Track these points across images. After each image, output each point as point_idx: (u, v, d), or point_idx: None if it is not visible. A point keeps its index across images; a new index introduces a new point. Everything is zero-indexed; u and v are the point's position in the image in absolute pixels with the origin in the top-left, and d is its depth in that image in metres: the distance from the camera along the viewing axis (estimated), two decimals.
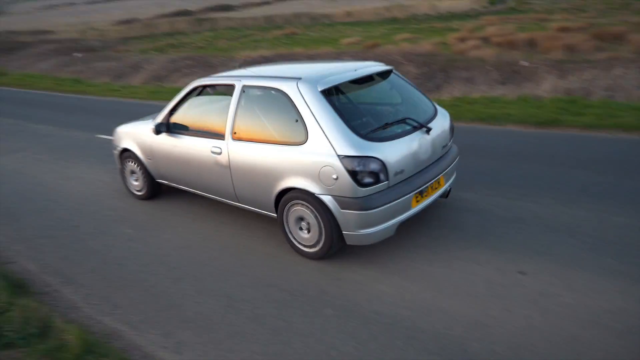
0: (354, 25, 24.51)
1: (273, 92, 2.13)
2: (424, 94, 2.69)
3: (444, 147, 2.47)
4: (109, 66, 18.61)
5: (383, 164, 1.81)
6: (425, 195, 2.22)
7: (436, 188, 2.31)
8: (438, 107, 2.67)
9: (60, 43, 30.04)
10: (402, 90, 2.59)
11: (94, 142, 8.93)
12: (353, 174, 1.73)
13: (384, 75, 2.60)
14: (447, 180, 2.53)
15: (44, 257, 4.29)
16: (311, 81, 2.04)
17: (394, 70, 2.68)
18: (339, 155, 1.74)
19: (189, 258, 3.61)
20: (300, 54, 12.96)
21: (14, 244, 4.76)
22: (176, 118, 3.15)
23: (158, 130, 3.22)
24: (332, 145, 1.75)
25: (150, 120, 3.58)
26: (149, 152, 3.48)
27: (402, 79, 2.70)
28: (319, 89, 2.03)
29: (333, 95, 2.10)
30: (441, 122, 2.46)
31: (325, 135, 1.76)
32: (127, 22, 43.53)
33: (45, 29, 46.21)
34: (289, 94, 2.04)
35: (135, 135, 3.56)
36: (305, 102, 1.94)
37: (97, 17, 60.07)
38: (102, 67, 18.80)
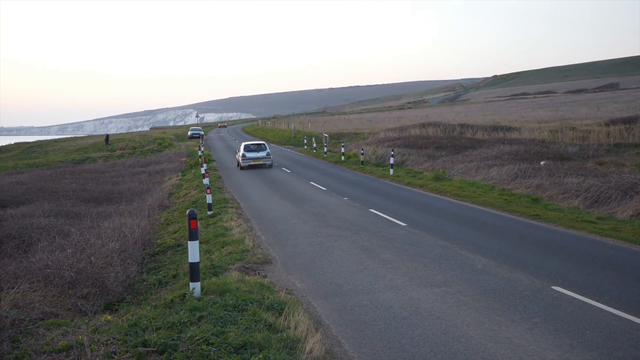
0: None
1: (240, 145, 44.60)
2: (267, 147, 43.94)
3: (264, 156, 42.65)
4: (584, 184, 18.97)
5: (246, 155, 40.68)
6: (255, 162, 41.08)
7: (259, 163, 40.95)
8: (268, 150, 43.25)
9: (522, 145, 34.25)
10: (264, 147, 43.69)
11: (546, 295, 9.32)
12: (242, 156, 40.23)
13: (261, 144, 45.42)
14: (264, 162, 41.34)
15: None
16: (244, 143, 44.76)
17: (265, 143, 46.74)
18: (242, 154, 40.46)
19: None
20: None
21: None
22: (240, 149, 43.41)
23: (236, 152, 48.64)
24: (242, 152, 40.45)
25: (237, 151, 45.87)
26: (237, 156, 43.48)
27: (267, 145, 45.43)
28: (244, 144, 43.66)
29: (248, 146, 43.09)
30: (264, 152, 42.66)
31: (240, 151, 41.24)
32: (624, 121, 44.35)
33: (507, 124, 54.47)
34: (242, 145, 43.63)
35: (237, 154, 43.11)
36: (241, 145, 43.45)
37: (580, 113, 66.21)
38: (574, 184, 19.44)
